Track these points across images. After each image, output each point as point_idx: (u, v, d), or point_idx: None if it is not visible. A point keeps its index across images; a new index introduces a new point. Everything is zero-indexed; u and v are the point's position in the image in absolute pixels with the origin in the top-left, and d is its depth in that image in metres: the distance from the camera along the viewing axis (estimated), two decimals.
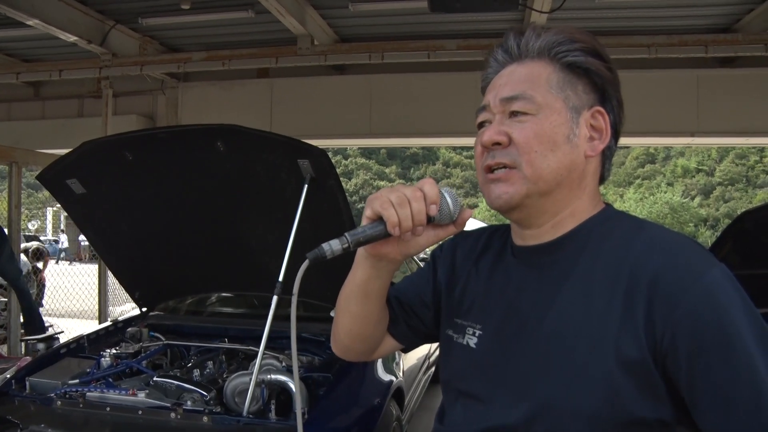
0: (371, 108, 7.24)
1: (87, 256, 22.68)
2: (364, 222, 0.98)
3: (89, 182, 3.29)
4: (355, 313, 1.16)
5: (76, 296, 9.42)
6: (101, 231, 3.67)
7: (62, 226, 29.61)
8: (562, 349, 0.96)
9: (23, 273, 6.27)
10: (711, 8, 5.62)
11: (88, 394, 2.79)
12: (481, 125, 1.08)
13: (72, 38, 5.84)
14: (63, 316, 9.39)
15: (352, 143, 9.66)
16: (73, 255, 26.35)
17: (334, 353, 1.29)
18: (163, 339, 3.55)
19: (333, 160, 3.03)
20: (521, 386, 1.00)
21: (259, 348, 2.78)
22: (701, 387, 0.88)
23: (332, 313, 1.23)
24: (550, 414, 0.96)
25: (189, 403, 2.72)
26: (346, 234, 0.96)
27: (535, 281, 1.05)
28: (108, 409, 2.69)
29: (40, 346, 4.89)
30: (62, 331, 6.38)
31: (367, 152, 61.62)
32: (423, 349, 4.57)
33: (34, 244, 9.44)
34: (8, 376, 3.11)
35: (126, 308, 6.82)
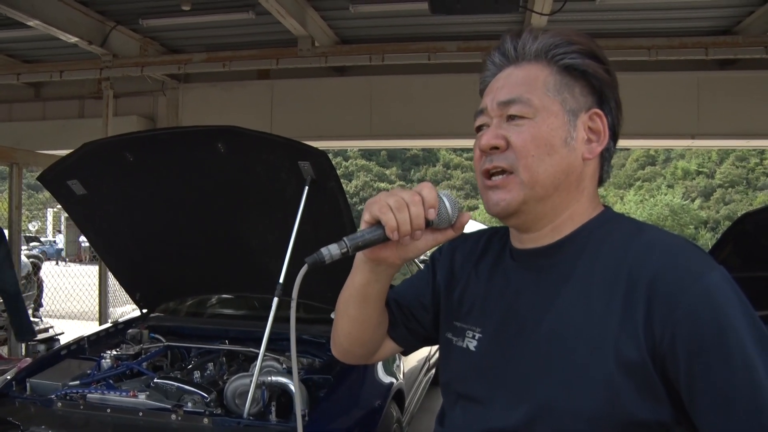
0: (372, 109, 7.25)
1: (87, 257, 22.68)
2: (362, 226, 0.98)
3: (90, 183, 3.30)
4: (354, 317, 1.16)
5: (76, 298, 9.42)
6: (102, 232, 3.67)
7: (59, 227, 29.63)
8: (562, 350, 0.96)
9: (23, 274, 6.28)
10: (711, 10, 5.62)
11: (88, 395, 2.79)
12: (479, 129, 1.09)
13: (73, 39, 5.84)
14: (63, 318, 9.40)
15: (353, 145, 9.66)
16: (74, 256, 26.34)
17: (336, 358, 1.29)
18: (164, 340, 3.55)
19: (333, 162, 3.03)
20: (521, 388, 1.00)
21: (259, 350, 2.78)
22: (700, 388, 0.88)
23: (333, 315, 1.23)
24: (550, 415, 0.96)
25: (189, 404, 2.72)
26: (344, 239, 0.96)
27: (534, 284, 1.05)
28: (108, 410, 2.69)
29: (41, 347, 4.90)
30: (62, 333, 6.39)
31: (368, 154, 61.65)
32: (423, 351, 4.57)
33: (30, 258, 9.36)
34: (9, 377, 3.12)
35: (126, 310, 6.83)
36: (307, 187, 2.96)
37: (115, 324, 3.97)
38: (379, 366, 3.30)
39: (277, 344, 3.22)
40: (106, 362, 3.20)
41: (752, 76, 6.52)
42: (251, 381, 2.68)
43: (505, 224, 1.12)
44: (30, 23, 5.35)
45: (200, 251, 3.56)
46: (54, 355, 3.41)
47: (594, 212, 1.07)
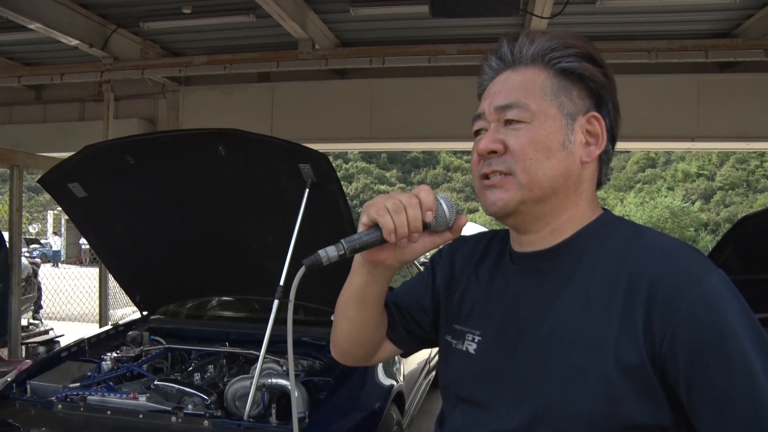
0: (372, 112, 7.25)
1: (88, 259, 22.67)
2: (360, 229, 0.98)
3: (91, 186, 3.30)
4: (352, 319, 1.17)
5: (76, 300, 9.42)
6: (102, 234, 3.67)
7: (53, 229, 29.61)
8: (561, 353, 0.97)
9: (23, 276, 6.28)
10: (711, 13, 5.62)
11: (88, 397, 2.79)
12: (477, 133, 1.09)
13: (73, 42, 5.85)
14: (63, 320, 9.40)
15: (353, 147, 9.66)
16: (74, 258, 26.33)
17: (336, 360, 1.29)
18: (164, 343, 3.55)
19: (334, 164, 3.03)
20: (521, 391, 1.00)
21: (259, 352, 2.78)
22: (699, 391, 0.88)
23: (333, 318, 1.23)
24: (549, 419, 0.96)
25: (190, 406, 2.72)
26: (342, 240, 0.96)
27: (534, 287, 1.05)
28: (109, 412, 2.69)
29: (41, 349, 4.91)
30: (62, 335, 6.39)
31: (368, 156, 61.65)
32: (423, 354, 4.57)
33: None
34: (9, 379, 3.11)
35: (127, 312, 6.83)
36: (307, 190, 2.96)
37: (116, 326, 3.98)
38: (380, 368, 3.30)
39: (278, 346, 3.23)
40: (106, 364, 3.20)
41: (752, 78, 6.52)
42: (251, 383, 2.68)
43: (503, 224, 1.12)
44: (31, 26, 5.37)
45: (200, 253, 3.56)
46: (54, 357, 3.41)
47: (593, 215, 1.08)
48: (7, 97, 8.19)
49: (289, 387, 2.75)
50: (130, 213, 3.47)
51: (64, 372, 3.19)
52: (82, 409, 2.73)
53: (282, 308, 2.89)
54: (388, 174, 63.48)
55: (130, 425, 2.62)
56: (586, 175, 1.06)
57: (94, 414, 2.70)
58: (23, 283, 6.09)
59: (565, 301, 1.00)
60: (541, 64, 1.05)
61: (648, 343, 0.91)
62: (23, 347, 5.47)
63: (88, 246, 9.94)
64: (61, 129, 7.87)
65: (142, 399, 2.73)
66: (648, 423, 0.92)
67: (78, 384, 2.99)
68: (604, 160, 1.09)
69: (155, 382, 2.89)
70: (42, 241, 28.94)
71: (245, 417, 2.62)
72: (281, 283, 2.86)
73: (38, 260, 13.53)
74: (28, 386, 3.02)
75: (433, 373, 5.06)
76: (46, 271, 10.86)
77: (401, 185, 61.08)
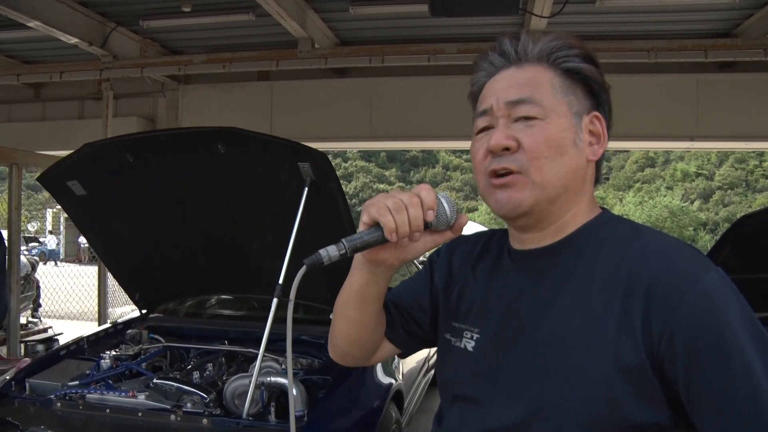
0: (371, 111, 7.25)
1: (86, 257, 22.67)
2: (360, 228, 0.98)
3: (90, 184, 3.30)
4: (352, 318, 1.16)
5: (75, 298, 9.42)
6: (101, 233, 3.67)
7: (49, 228, 29.58)
8: (560, 352, 0.97)
9: (22, 274, 6.28)
10: (710, 13, 5.63)
11: (87, 395, 2.80)
12: (482, 130, 1.07)
13: (73, 40, 5.85)
14: (62, 318, 9.40)
15: (352, 146, 9.66)
16: (73, 256, 26.33)
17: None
18: (163, 341, 3.55)
19: (333, 163, 3.03)
20: (518, 389, 1.00)
21: (258, 350, 2.78)
22: (699, 390, 0.89)
23: (331, 316, 1.23)
24: (546, 416, 0.96)
25: (189, 405, 2.72)
26: (343, 240, 0.96)
27: (534, 286, 1.05)
28: (108, 411, 2.69)
29: (40, 347, 4.91)
30: (61, 333, 6.40)
31: (367, 155, 61.65)
32: (422, 352, 4.57)
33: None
34: (8, 377, 3.12)
35: (126, 310, 6.84)
36: (306, 188, 2.96)
37: (115, 324, 3.97)
38: (378, 367, 3.31)
39: (277, 345, 3.22)
40: (105, 362, 3.20)
41: (751, 78, 6.53)
42: (250, 381, 2.68)
43: (510, 225, 1.11)
44: (30, 24, 5.36)
45: (200, 252, 3.56)
46: (53, 355, 3.41)
47: (592, 214, 1.08)
48: (7, 95, 8.18)
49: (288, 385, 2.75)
50: (129, 211, 3.47)
51: (63, 370, 3.19)
52: (81, 407, 2.73)
53: (281, 307, 2.89)
54: (387, 173, 63.48)
55: (129, 423, 2.62)
56: (589, 174, 1.08)
57: (93, 412, 2.70)
58: (22, 281, 6.10)
59: (565, 300, 1.00)
60: (546, 63, 1.05)
61: (647, 342, 0.91)
62: (22, 345, 5.46)
63: (87, 244, 9.93)
64: (60, 127, 7.86)
65: (141, 397, 2.73)
66: (647, 422, 0.92)
67: (77, 382, 2.99)
68: (601, 159, 1.10)
69: (154, 381, 2.89)
70: (41, 239, 28.94)
71: (244, 415, 2.62)
72: (280, 281, 2.87)
73: (36, 258, 13.52)
74: (27, 384, 3.02)
75: (432, 371, 5.06)
76: (44, 270, 10.84)
77: (400, 184, 61.06)
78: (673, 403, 0.92)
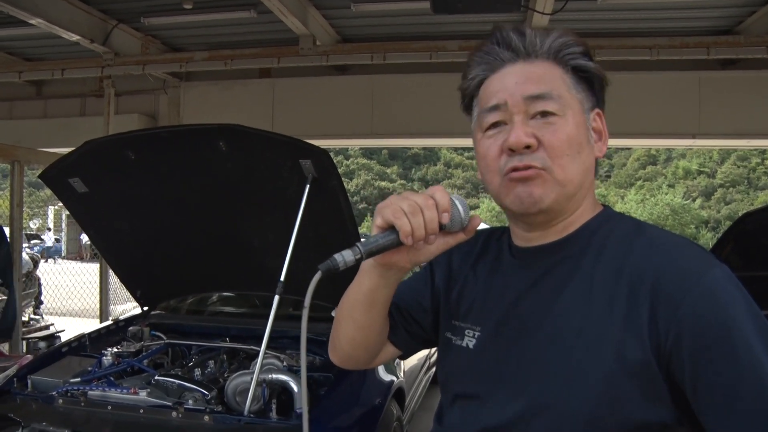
0: (373, 108, 7.24)
1: (88, 254, 22.68)
2: (374, 231, 0.96)
3: (91, 181, 3.30)
4: (359, 322, 1.15)
5: (76, 295, 9.44)
6: (103, 230, 3.68)
7: (47, 225, 29.59)
8: (560, 350, 0.96)
9: (24, 272, 6.29)
10: (713, 10, 5.61)
11: (89, 392, 2.80)
12: (491, 126, 1.04)
13: (74, 37, 5.84)
14: (64, 315, 9.41)
15: (354, 143, 9.66)
16: (74, 254, 26.33)
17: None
18: (165, 338, 3.56)
19: (334, 160, 3.03)
20: (519, 386, 1.00)
21: (260, 347, 2.78)
22: (705, 386, 0.88)
23: (333, 313, 1.23)
24: (546, 414, 0.96)
25: (190, 402, 2.72)
26: (357, 244, 0.94)
27: (535, 283, 1.05)
28: (109, 407, 2.69)
29: (42, 344, 4.91)
30: (63, 330, 6.40)
31: (369, 152, 61.60)
32: (423, 350, 4.57)
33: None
34: (10, 374, 3.12)
35: (127, 307, 6.84)
36: (308, 186, 2.96)
37: (116, 321, 3.98)
38: None
39: (278, 342, 3.23)
40: (107, 359, 3.21)
41: (754, 75, 6.51)
42: (252, 379, 2.68)
43: (521, 221, 1.08)
44: (32, 21, 5.36)
45: (201, 249, 3.56)
46: (55, 352, 3.42)
47: (595, 210, 1.08)
48: (8, 92, 8.18)
49: (290, 382, 2.75)
50: (131, 208, 3.47)
51: (64, 367, 3.20)
52: (82, 404, 2.74)
53: (282, 304, 2.89)
54: (388, 170, 63.43)
55: (130, 420, 2.63)
56: (593, 170, 1.07)
57: (94, 409, 2.71)
58: (24, 279, 6.11)
59: (567, 298, 0.99)
60: (554, 59, 1.03)
61: (653, 339, 0.90)
62: (24, 342, 5.48)
63: (88, 241, 9.94)
64: (61, 124, 7.86)
65: (143, 394, 2.74)
66: (651, 420, 0.92)
67: (79, 379, 2.99)
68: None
69: (156, 378, 2.90)
70: (42, 237, 28.97)
71: (246, 412, 2.62)
72: (282, 278, 2.87)
73: (38, 255, 13.53)
74: (29, 381, 3.03)
75: (434, 369, 5.06)
76: (43, 267, 10.84)
77: (402, 182, 61.04)
78: (677, 400, 0.92)
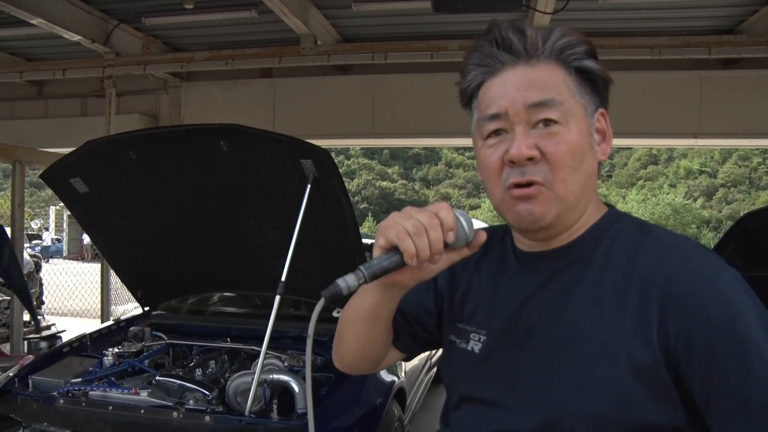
0: (374, 108, 7.24)
1: (89, 254, 22.68)
2: (376, 252, 0.93)
3: (92, 181, 3.30)
4: (363, 335, 1.14)
5: (78, 295, 9.44)
6: (104, 230, 3.67)
7: (44, 225, 29.61)
8: (572, 354, 0.95)
9: (25, 272, 6.29)
10: (714, 10, 5.61)
11: (90, 392, 2.80)
12: (491, 134, 1.01)
13: (75, 37, 5.85)
14: (65, 315, 9.42)
15: (355, 143, 9.65)
16: (76, 254, 26.34)
17: None
18: (166, 338, 3.55)
19: (335, 160, 3.02)
20: (532, 393, 0.99)
21: (261, 348, 2.78)
22: (715, 390, 0.88)
23: (335, 313, 1.22)
24: (562, 421, 0.95)
25: (191, 402, 2.72)
26: (361, 267, 0.92)
27: (543, 287, 1.03)
28: (110, 408, 2.69)
29: (43, 344, 4.91)
30: (64, 330, 6.40)
31: (370, 152, 61.64)
32: None
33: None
34: (11, 374, 3.12)
35: (128, 308, 6.84)
36: (309, 185, 2.95)
37: (117, 322, 3.98)
38: None
39: (279, 342, 3.23)
40: (108, 359, 3.20)
41: (755, 75, 6.50)
42: (253, 379, 2.68)
43: (524, 234, 1.07)
44: (33, 21, 5.36)
45: (202, 249, 3.56)
46: (56, 352, 3.41)
47: (600, 212, 1.06)
48: (9, 92, 8.19)
49: (291, 383, 2.74)
50: (132, 208, 3.47)
51: (65, 367, 3.19)
52: (83, 404, 2.73)
53: (283, 304, 2.89)
54: (389, 170, 63.47)
55: (131, 420, 2.62)
56: (596, 174, 1.05)
57: (95, 409, 2.70)
58: (25, 279, 6.10)
59: (576, 301, 0.98)
60: (557, 60, 0.99)
61: (662, 343, 0.90)
62: (25, 342, 5.48)
63: (90, 241, 9.94)
64: (62, 124, 7.87)
65: (144, 394, 2.74)
66: (662, 423, 0.92)
67: (80, 379, 2.99)
68: None
69: (157, 378, 2.89)
70: (43, 237, 29.00)
71: (247, 412, 2.62)
72: (283, 278, 2.86)
73: (40, 256, 13.52)
74: (30, 381, 3.02)
75: (435, 369, 5.06)
76: (43, 267, 10.86)
77: (403, 181, 61.08)
78: (687, 404, 0.92)
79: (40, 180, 3.45)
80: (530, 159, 0.96)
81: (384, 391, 3.19)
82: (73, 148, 3.23)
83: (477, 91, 1.05)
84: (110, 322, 4.08)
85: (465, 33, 6.10)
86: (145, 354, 3.34)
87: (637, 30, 6.00)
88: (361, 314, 1.10)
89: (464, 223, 0.95)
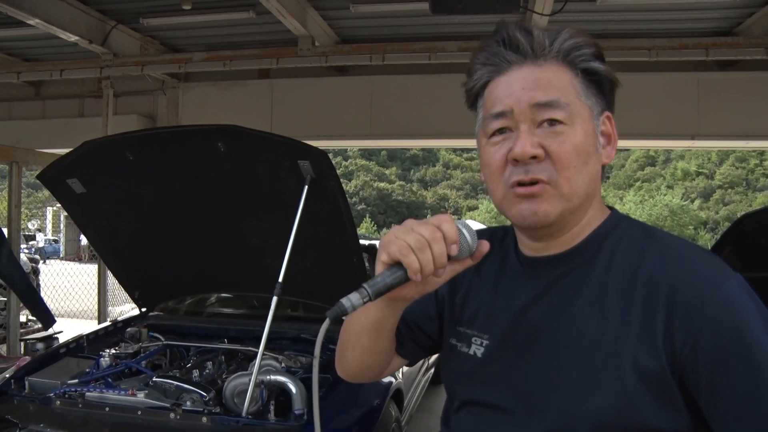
0: (372, 109, 7.25)
1: (87, 255, 22.66)
2: (379, 267, 0.92)
3: (90, 182, 3.29)
4: (367, 347, 1.14)
5: (75, 296, 9.42)
6: (101, 230, 3.67)
7: (39, 226, 29.63)
8: (578, 360, 0.95)
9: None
10: (712, 11, 5.62)
11: (87, 394, 2.79)
12: (496, 133, 1.00)
13: (73, 38, 5.85)
14: (62, 316, 9.39)
15: (353, 144, 9.65)
16: (73, 255, 26.32)
17: (333, 355, 1.27)
18: (163, 339, 3.54)
19: (333, 162, 3.02)
20: (536, 397, 0.98)
21: (258, 348, 2.78)
22: (721, 396, 0.88)
23: (339, 342, 1.20)
24: (567, 426, 0.95)
25: (188, 403, 2.71)
26: (364, 285, 0.90)
27: (546, 292, 1.03)
28: (107, 409, 2.68)
29: (39, 345, 4.90)
30: (61, 331, 6.39)
31: (368, 153, 61.67)
32: None
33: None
34: (7, 375, 3.11)
35: (125, 309, 6.83)
36: (306, 187, 2.95)
37: (114, 323, 3.97)
38: None
39: (276, 343, 3.23)
40: (104, 361, 3.20)
41: (752, 77, 6.52)
42: (250, 380, 2.68)
43: (526, 233, 1.06)
44: (30, 22, 5.36)
45: (199, 250, 3.56)
46: (53, 353, 3.41)
47: (602, 215, 1.06)
48: (7, 93, 8.18)
49: (288, 384, 2.74)
50: (129, 209, 3.46)
51: (62, 368, 3.19)
52: (80, 405, 2.73)
53: (280, 305, 2.89)
54: (387, 171, 63.52)
55: (128, 422, 2.62)
56: (600, 177, 1.04)
57: (92, 410, 2.70)
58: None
59: (580, 306, 0.98)
60: (564, 61, 0.98)
61: (668, 348, 0.90)
62: (22, 343, 5.46)
63: (87, 242, 9.93)
64: (60, 125, 7.87)
65: (141, 395, 2.73)
66: (665, 428, 0.92)
67: (76, 380, 2.98)
68: None
69: (154, 379, 2.88)
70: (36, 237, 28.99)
71: (244, 413, 2.62)
72: (280, 279, 2.86)
73: (37, 257, 13.51)
74: (27, 382, 3.01)
75: (432, 370, 5.06)
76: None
77: (401, 182, 61.09)
78: (691, 409, 0.92)
79: (38, 181, 3.44)
80: (534, 158, 0.95)
81: (381, 392, 3.19)
82: (71, 149, 3.22)
83: (483, 91, 1.04)
84: (107, 323, 4.08)
85: (463, 34, 6.11)
86: (142, 355, 3.33)
87: (635, 32, 6.02)
88: (365, 328, 1.09)
89: (467, 234, 0.94)
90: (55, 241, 29.31)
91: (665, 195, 48.14)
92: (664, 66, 6.36)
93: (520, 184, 0.96)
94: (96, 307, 6.81)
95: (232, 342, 3.46)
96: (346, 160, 60.99)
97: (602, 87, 1.02)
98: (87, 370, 3.14)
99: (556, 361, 0.97)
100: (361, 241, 3.24)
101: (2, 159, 5.35)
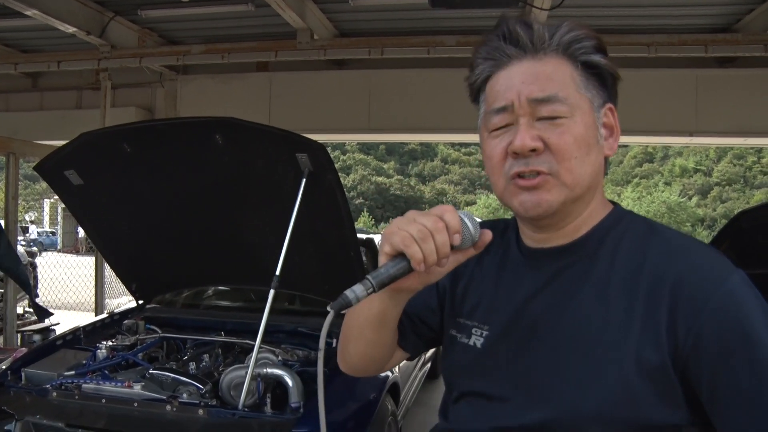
0: (370, 103, 7.24)
1: (84, 248, 22.64)
2: (382, 258, 0.93)
3: (87, 174, 3.29)
4: (370, 340, 1.14)
5: (72, 288, 9.42)
6: (98, 223, 3.66)
7: (33, 218, 29.59)
8: (579, 353, 0.95)
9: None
10: (711, 8, 5.61)
11: (83, 385, 2.80)
12: (498, 128, 1.01)
13: (71, 29, 5.82)
14: (59, 308, 9.39)
15: (351, 138, 9.63)
16: (70, 247, 26.29)
17: (331, 348, 1.28)
18: (160, 332, 3.55)
19: (331, 155, 3.02)
20: (537, 389, 0.99)
21: (255, 342, 2.78)
22: (723, 391, 0.88)
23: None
24: (568, 418, 0.95)
25: (185, 395, 2.72)
26: (368, 277, 0.90)
27: (548, 284, 1.03)
28: (103, 400, 2.69)
29: (36, 337, 4.90)
30: (58, 323, 6.39)
31: (366, 147, 61.63)
32: None
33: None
34: (4, 366, 3.11)
35: (123, 301, 6.83)
36: (304, 180, 2.95)
37: (111, 315, 3.97)
38: None
39: (273, 336, 3.23)
40: (101, 353, 3.20)
41: (751, 74, 6.52)
42: (247, 373, 2.68)
43: (528, 223, 1.07)
44: (28, 12, 5.33)
45: (197, 242, 3.56)
46: (49, 345, 3.41)
47: (605, 209, 1.06)
48: (4, 84, 8.15)
49: (285, 377, 2.75)
50: (127, 201, 3.46)
51: (59, 360, 3.19)
52: (76, 397, 2.73)
53: (277, 298, 2.89)
54: (385, 165, 63.47)
55: (124, 413, 2.62)
56: (603, 169, 1.04)
57: (88, 402, 2.70)
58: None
59: (583, 300, 0.98)
60: (564, 54, 0.99)
61: (670, 343, 0.90)
62: (18, 335, 5.46)
63: (84, 234, 9.93)
64: (58, 117, 7.84)
65: (137, 387, 2.74)
66: (665, 422, 0.92)
67: (73, 372, 2.99)
68: None
69: (150, 371, 2.89)
70: (39, 230, 28.95)
71: (240, 406, 2.62)
72: (277, 272, 2.86)
73: (35, 249, 13.50)
74: (23, 374, 3.02)
75: (429, 364, 5.07)
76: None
77: (399, 177, 61.07)
78: (691, 403, 0.92)
79: (35, 172, 3.43)
80: (533, 150, 0.96)
81: (378, 386, 3.19)
82: (68, 141, 3.22)
83: (484, 85, 1.05)
84: (104, 315, 4.08)
85: (462, 29, 6.10)
86: (138, 347, 3.33)
87: (634, 27, 6.01)
88: (368, 320, 1.10)
89: (469, 224, 0.95)
90: (53, 233, 29.25)
91: (663, 192, 48.23)
92: (663, 62, 6.35)
93: (521, 175, 0.97)
94: (93, 299, 6.80)
95: (229, 335, 3.46)
96: (345, 154, 60.95)
97: (603, 80, 1.02)
98: (84, 361, 3.15)
99: (557, 354, 0.97)
100: (359, 235, 3.24)
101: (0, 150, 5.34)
